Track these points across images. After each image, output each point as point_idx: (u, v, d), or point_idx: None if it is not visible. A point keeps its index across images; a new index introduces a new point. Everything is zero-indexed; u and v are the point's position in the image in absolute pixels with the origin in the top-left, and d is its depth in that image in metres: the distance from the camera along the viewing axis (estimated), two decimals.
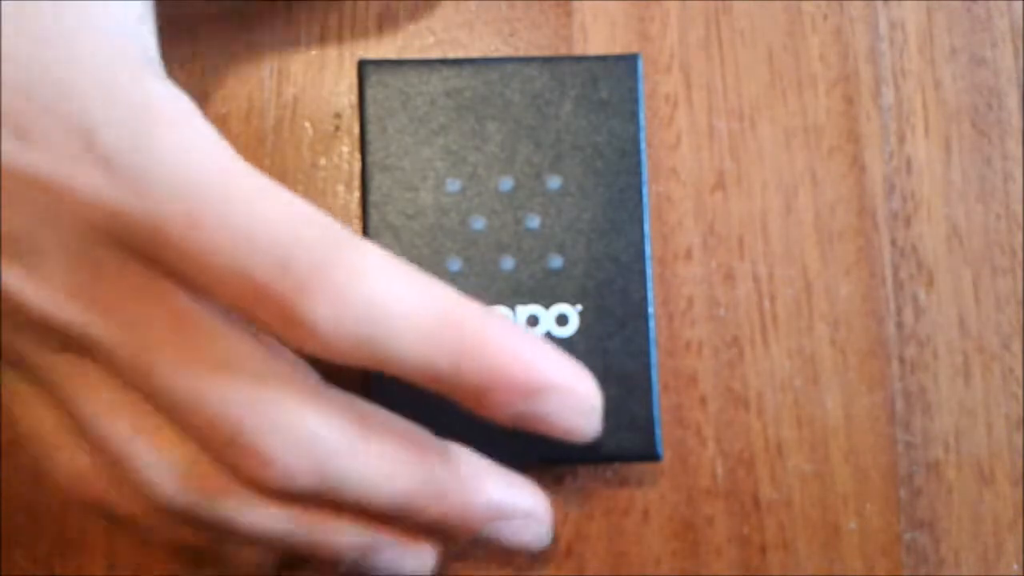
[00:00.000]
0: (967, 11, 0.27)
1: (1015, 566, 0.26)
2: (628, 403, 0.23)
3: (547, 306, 0.23)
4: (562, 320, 0.23)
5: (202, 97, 0.26)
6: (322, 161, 0.26)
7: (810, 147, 0.27)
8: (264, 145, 0.26)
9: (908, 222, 0.27)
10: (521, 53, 0.27)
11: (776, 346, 0.26)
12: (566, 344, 0.23)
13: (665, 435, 0.25)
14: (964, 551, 0.26)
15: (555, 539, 0.25)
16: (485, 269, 0.23)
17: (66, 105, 0.18)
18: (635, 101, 0.24)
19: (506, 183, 0.23)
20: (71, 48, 0.19)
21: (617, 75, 0.24)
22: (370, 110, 0.23)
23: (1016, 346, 0.26)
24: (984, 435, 0.26)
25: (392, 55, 0.26)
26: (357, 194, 0.26)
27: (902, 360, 0.26)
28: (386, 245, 0.23)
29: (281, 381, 0.19)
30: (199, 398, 0.19)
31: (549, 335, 0.23)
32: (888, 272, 0.26)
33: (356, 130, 0.26)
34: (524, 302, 0.23)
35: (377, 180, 0.23)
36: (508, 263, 0.23)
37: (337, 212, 0.26)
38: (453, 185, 0.23)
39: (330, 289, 0.18)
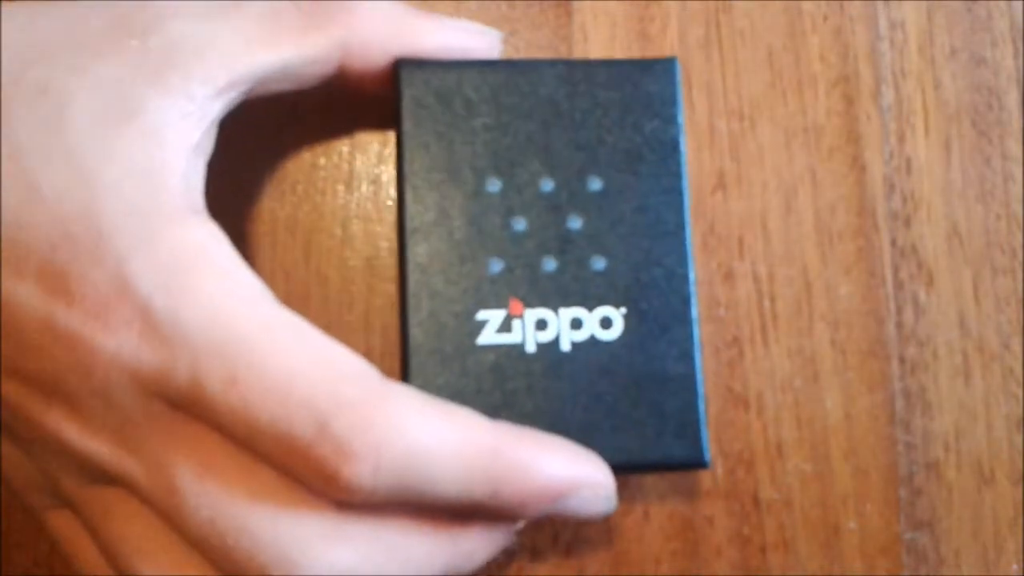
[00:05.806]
0: (967, 11, 0.27)
1: (1015, 566, 0.26)
2: (673, 409, 0.22)
3: (591, 308, 0.22)
4: (606, 323, 0.22)
5: None
6: (321, 161, 0.26)
7: (810, 147, 0.27)
8: None
9: (908, 222, 0.27)
10: (521, 53, 0.27)
11: (776, 346, 0.26)
12: (611, 348, 0.22)
13: None
14: (964, 551, 0.26)
15: (554, 539, 0.25)
16: (527, 271, 0.22)
17: (104, 254, 0.18)
18: (674, 103, 0.23)
19: (547, 184, 0.23)
20: (116, 191, 0.18)
21: (655, 78, 0.23)
22: (407, 110, 0.23)
23: (1016, 346, 0.26)
24: (984, 435, 0.26)
25: None
26: (356, 194, 0.26)
27: (902, 360, 0.26)
28: (425, 248, 0.22)
29: (308, 515, 0.19)
30: (225, 536, 0.19)
31: (593, 338, 0.22)
32: (888, 272, 0.26)
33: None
34: (567, 304, 0.22)
35: (414, 181, 0.22)
36: (550, 265, 0.22)
37: (336, 211, 0.26)
38: (493, 186, 0.23)
39: (369, 450, 0.18)
